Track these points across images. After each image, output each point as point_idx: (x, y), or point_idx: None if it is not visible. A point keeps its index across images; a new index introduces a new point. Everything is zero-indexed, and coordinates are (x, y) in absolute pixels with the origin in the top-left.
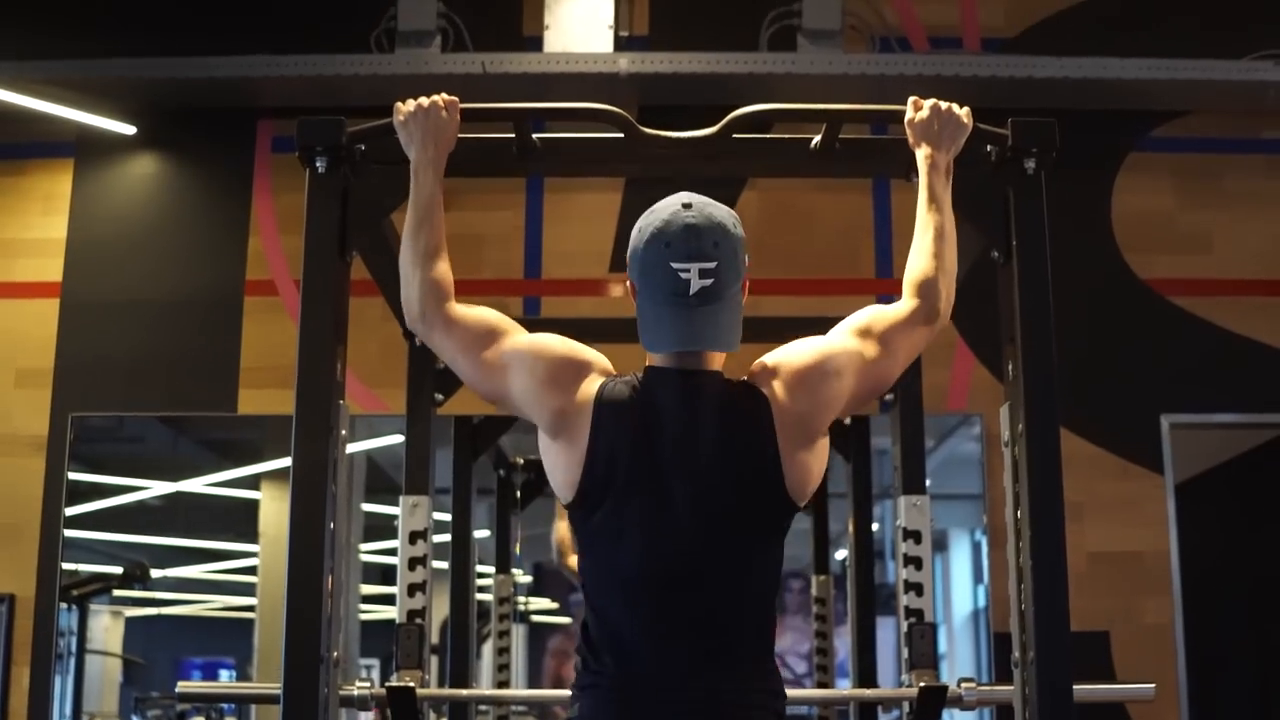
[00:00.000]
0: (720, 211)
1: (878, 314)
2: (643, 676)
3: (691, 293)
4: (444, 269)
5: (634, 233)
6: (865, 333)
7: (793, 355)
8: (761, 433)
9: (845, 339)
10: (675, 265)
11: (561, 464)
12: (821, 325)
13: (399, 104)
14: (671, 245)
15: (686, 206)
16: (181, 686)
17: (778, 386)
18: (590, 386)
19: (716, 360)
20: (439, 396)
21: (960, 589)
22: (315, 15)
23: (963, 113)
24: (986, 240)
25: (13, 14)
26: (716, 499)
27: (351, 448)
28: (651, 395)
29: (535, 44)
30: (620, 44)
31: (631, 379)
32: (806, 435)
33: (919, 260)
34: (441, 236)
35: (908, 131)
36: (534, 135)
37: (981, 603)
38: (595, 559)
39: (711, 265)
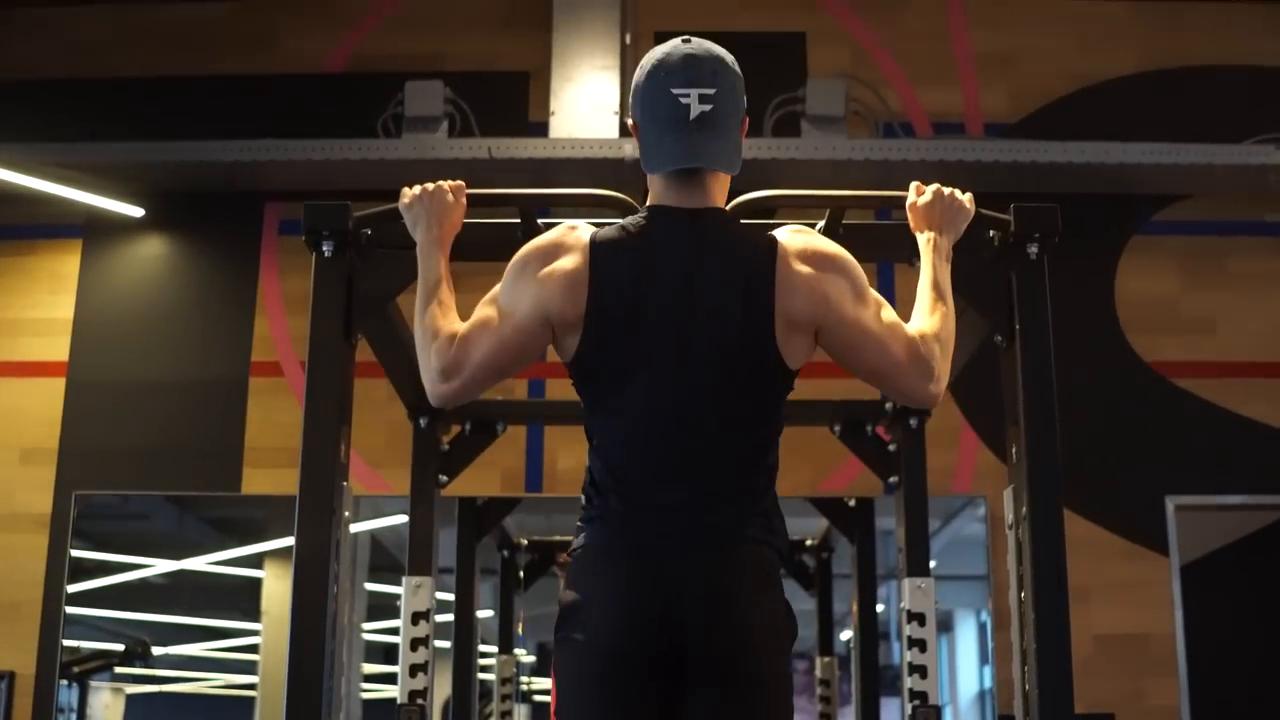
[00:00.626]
0: (719, 48)
1: (894, 313)
2: (645, 510)
3: (692, 117)
4: None
5: (636, 72)
6: (881, 305)
7: (825, 239)
8: (760, 275)
9: (870, 290)
10: (675, 91)
11: (570, 330)
12: (824, 409)
13: (405, 188)
14: (672, 73)
15: (686, 41)
16: None
17: (794, 245)
18: (579, 237)
19: (719, 194)
20: (443, 478)
21: (966, 670)
22: (323, 100)
23: (965, 198)
24: (990, 324)
25: (23, 97)
26: (710, 340)
27: (355, 528)
28: (652, 232)
29: (541, 129)
30: (625, 129)
31: (629, 220)
32: (795, 310)
33: (916, 325)
34: (451, 311)
35: (910, 215)
36: (539, 220)
37: (988, 684)
38: (597, 399)
39: (711, 92)
